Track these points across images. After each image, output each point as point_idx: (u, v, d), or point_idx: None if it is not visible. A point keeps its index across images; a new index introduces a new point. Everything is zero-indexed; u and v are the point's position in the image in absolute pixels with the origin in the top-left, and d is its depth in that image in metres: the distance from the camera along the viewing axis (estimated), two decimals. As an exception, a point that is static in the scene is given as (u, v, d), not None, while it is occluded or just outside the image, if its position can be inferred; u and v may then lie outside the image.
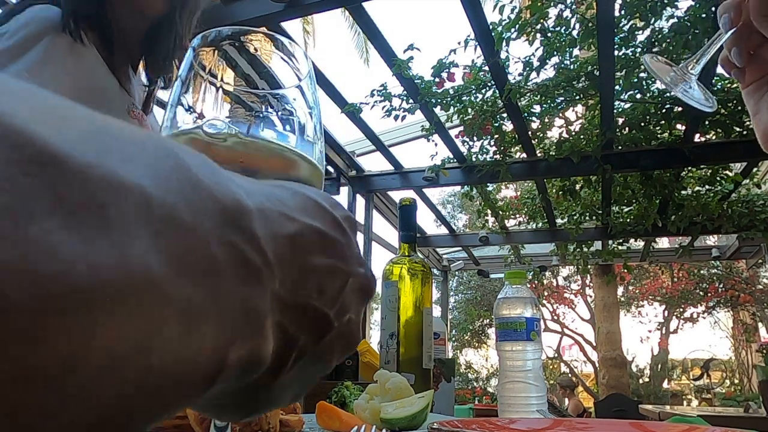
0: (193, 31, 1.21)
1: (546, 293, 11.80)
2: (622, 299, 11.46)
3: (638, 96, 3.26)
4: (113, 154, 0.13)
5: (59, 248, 0.11)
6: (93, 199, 0.12)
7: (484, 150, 3.80)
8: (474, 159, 3.87)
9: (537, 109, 3.51)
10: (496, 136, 3.63)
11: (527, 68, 3.00)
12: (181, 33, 1.17)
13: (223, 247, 0.16)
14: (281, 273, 0.19)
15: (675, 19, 2.64)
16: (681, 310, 11.71)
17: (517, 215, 5.41)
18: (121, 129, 0.14)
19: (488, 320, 11.96)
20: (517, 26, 2.77)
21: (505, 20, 2.77)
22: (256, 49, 0.36)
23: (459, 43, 2.99)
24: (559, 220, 5.06)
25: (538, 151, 3.79)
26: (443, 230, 6.29)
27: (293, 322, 0.20)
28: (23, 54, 0.96)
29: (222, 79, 0.34)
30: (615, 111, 3.27)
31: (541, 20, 2.80)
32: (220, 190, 0.16)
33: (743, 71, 0.60)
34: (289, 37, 2.94)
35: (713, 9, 2.41)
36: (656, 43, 2.78)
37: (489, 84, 3.27)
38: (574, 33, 2.82)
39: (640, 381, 12.10)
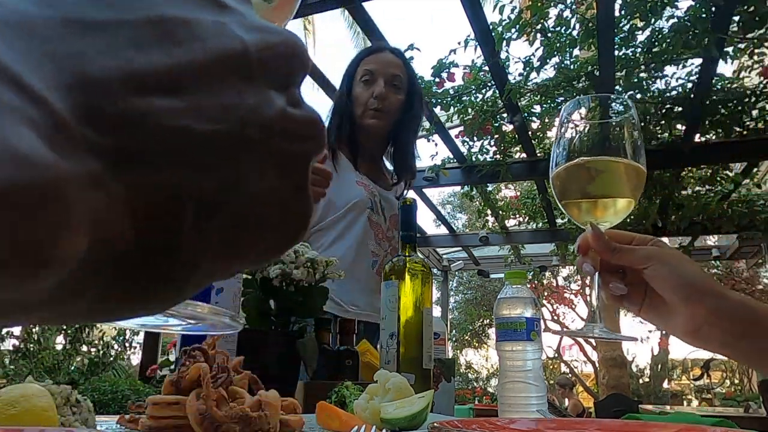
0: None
1: (546, 293, 11.80)
2: (622, 299, 11.43)
3: (638, 96, 3.26)
4: None
5: None
6: None
7: (484, 150, 3.80)
8: (474, 159, 3.87)
9: (537, 109, 3.51)
10: (496, 136, 3.63)
11: (527, 68, 3.00)
12: (416, 125, 1.70)
13: None
14: (88, 111, 0.13)
15: (675, 19, 2.64)
16: (681, 310, 11.68)
17: (517, 215, 5.41)
18: None
19: (488, 320, 11.96)
20: (517, 26, 2.77)
21: (505, 20, 2.78)
22: None
23: (459, 43, 2.99)
24: (559, 220, 5.06)
25: (538, 151, 3.79)
26: (443, 230, 6.29)
27: (162, 182, 0.14)
28: None
29: None
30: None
31: (541, 20, 2.80)
32: None
33: (631, 299, 0.67)
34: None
35: (713, 9, 2.41)
36: (656, 43, 2.78)
37: (489, 84, 3.27)
38: (574, 33, 2.82)
39: (640, 381, 12.10)
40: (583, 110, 0.69)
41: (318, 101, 4.00)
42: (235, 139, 0.15)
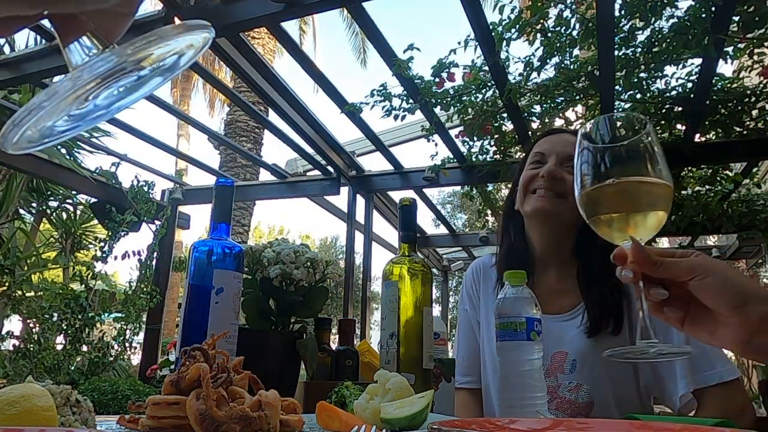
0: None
1: (546, 293, 11.78)
2: (622, 299, 11.44)
3: (638, 96, 3.25)
4: None
5: None
6: None
7: (484, 150, 3.80)
8: (474, 159, 3.87)
9: (537, 109, 3.51)
10: (496, 136, 3.62)
11: (527, 68, 3.00)
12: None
13: None
14: None
15: (675, 19, 2.64)
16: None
17: (517, 215, 5.41)
18: None
19: (488, 320, 11.93)
20: (517, 26, 2.77)
21: (505, 20, 2.77)
22: None
23: (459, 43, 2.99)
24: (559, 220, 5.05)
25: (538, 151, 3.78)
26: (443, 230, 6.29)
27: None
28: None
29: None
30: (615, 111, 3.27)
31: (541, 20, 2.80)
32: None
33: (674, 312, 0.65)
34: (290, 38, 2.89)
35: (713, 9, 2.41)
36: (656, 43, 2.78)
37: (489, 84, 3.27)
38: (574, 33, 2.82)
39: (640, 381, 12.09)
40: (602, 130, 0.69)
41: (318, 102, 4.00)
42: None
